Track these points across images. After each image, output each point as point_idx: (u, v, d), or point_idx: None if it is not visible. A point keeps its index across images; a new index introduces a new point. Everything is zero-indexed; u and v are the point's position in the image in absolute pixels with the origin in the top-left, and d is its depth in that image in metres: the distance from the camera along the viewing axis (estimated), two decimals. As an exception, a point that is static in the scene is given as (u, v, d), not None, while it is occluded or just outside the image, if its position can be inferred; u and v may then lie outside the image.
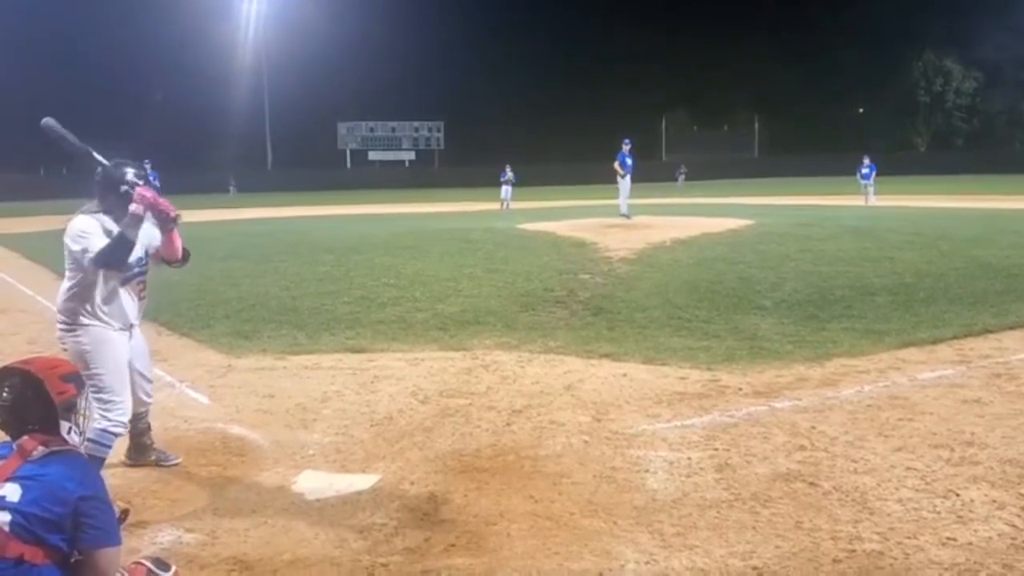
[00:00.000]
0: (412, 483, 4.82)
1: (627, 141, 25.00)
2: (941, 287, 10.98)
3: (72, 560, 2.76)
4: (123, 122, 77.18)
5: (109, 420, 4.51)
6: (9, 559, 2.59)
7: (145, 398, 5.10)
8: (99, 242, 4.50)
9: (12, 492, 2.66)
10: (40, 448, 2.82)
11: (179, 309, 10.68)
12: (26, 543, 2.62)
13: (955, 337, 8.18)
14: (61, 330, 4.68)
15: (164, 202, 4.56)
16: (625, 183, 24.74)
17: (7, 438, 3.00)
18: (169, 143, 77.12)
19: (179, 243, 4.76)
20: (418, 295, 11.35)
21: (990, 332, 8.41)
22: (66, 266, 4.83)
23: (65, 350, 4.56)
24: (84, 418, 3.12)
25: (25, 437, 2.83)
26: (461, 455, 5.26)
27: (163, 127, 77.18)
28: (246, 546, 4.05)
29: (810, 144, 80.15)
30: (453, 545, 4.01)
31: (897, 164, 68.89)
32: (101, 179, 4.73)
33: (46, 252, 19.21)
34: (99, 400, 4.39)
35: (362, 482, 4.85)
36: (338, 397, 6.64)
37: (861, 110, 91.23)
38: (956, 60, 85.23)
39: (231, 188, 61.66)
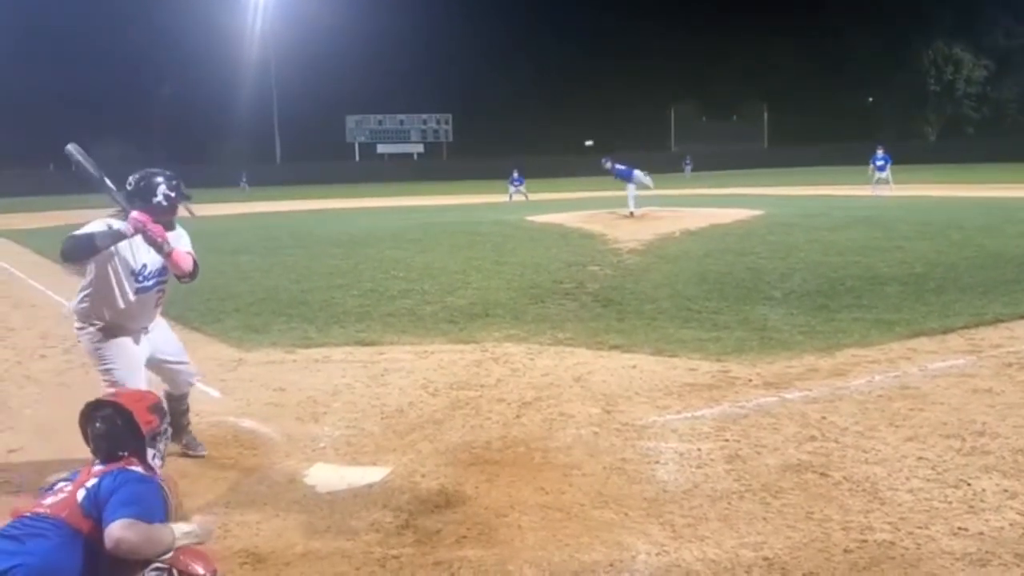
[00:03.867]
0: (423, 475, 4.83)
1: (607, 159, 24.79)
2: (952, 276, 10.93)
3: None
4: (131, 116, 77.51)
5: None
6: (67, 523, 3.00)
7: (188, 379, 5.33)
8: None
9: (91, 482, 3.12)
10: (131, 466, 3.23)
11: (190, 303, 10.70)
12: (84, 517, 3.02)
13: (966, 327, 8.15)
14: (76, 328, 4.85)
15: (156, 229, 4.55)
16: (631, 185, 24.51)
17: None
18: (177, 137, 77.38)
19: (184, 261, 4.75)
20: (427, 288, 11.36)
21: (1001, 321, 8.37)
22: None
23: (80, 343, 4.79)
24: (165, 445, 3.52)
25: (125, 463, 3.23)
26: (471, 447, 5.27)
27: (171, 121, 77.44)
28: (258, 539, 4.07)
29: (819, 134, 79.76)
30: (464, 537, 4.02)
31: (907, 153, 68.49)
32: (134, 188, 4.87)
33: (56, 248, 19.31)
34: None
35: (373, 475, 4.87)
36: (348, 390, 6.65)
37: (871, 99, 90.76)
38: (966, 48, 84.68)
39: (243, 184, 61.83)
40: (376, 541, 4.01)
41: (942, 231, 16.46)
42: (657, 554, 3.79)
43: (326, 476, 4.87)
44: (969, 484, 4.42)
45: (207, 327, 9.35)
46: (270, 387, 6.82)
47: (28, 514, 3.05)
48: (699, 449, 5.08)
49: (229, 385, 6.95)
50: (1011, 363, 6.85)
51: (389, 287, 11.56)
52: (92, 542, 2.98)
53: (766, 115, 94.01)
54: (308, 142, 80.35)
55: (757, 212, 23.33)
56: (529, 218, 23.43)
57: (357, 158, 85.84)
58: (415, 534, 4.07)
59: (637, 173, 23.70)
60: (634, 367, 7.05)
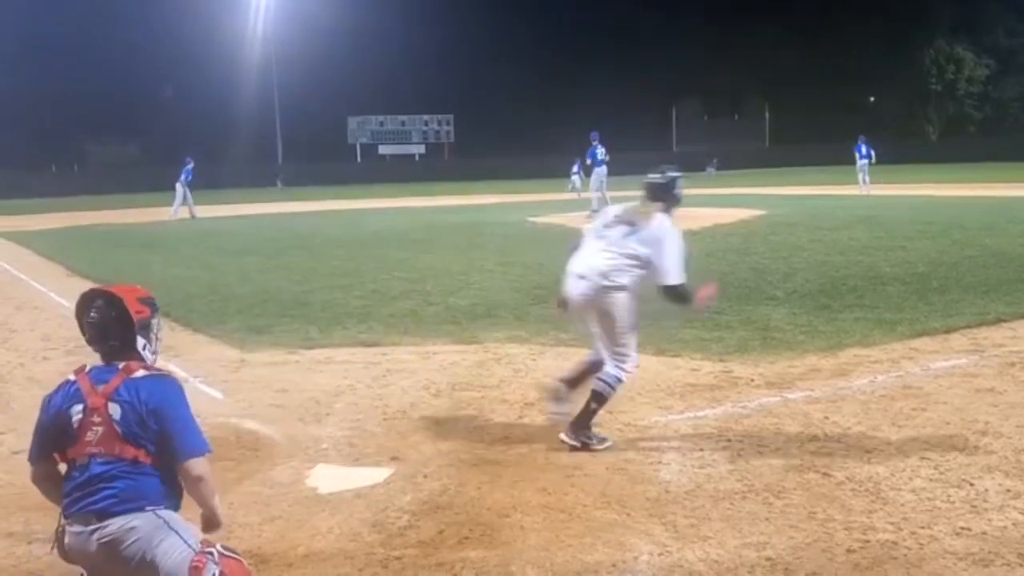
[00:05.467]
0: (425, 476, 4.83)
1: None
2: (954, 276, 10.93)
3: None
4: (133, 117, 77.61)
5: (622, 369, 5.35)
6: (126, 459, 3.07)
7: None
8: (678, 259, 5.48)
9: (115, 409, 3.11)
10: (141, 371, 3.22)
11: (192, 305, 10.74)
12: (136, 447, 3.08)
13: (968, 326, 8.15)
14: (603, 287, 5.36)
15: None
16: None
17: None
18: (179, 138, 77.40)
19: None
20: (430, 289, 11.36)
21: (1004, 321, 8.38)
22: (631, 243, 5.44)
23: (592, 302, 5.45)
24: (156, 339, 3.45)
25: (131, 362, 3.26)
26: (474, 448, 5.27)
27: (173, 122, 77.44)
28: (260, 540, 4.07)
29: (821, 133, 79.63)
30: (467, 538, 4.03)
31: (909, 152, 68.52)
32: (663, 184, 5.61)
33: (57, 249, 19.32)
34: (616, 352, 5.43)
35: (375, 476, 4.87)
36: (351, 391, 6.66)
37: (872, 99, 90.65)
38: (968, 47, 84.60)
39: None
40: (379, 542, 4.02)
41: (944, 231, 16.45)
42: (660, 554, 3.80)
43: (328, 477, 4.88)
44: (972, 484, 4.42)
45: (209, 328, 9.36)
46: (272, 388, 6.83)
47: (86, 459, 3.11)
48: (701, 449, 5.08)
49: (231, 386, 6.96)
50: (1014, 363, 6.85)
51: (391, 288, 11.56)
52: (147, 464, 3.10)
53: (768, 114, 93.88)
54: (310, 143, 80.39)
55: (759, 212, 23.34)
56: (531, 219, 23.44)
57: (359, 159, 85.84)
58: (417, 535, 4.08)
59: (597, 172, 24.32)
60: (636, 367, 7.03)
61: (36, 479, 3.39)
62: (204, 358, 8.09)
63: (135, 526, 3.01)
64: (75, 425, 3.15)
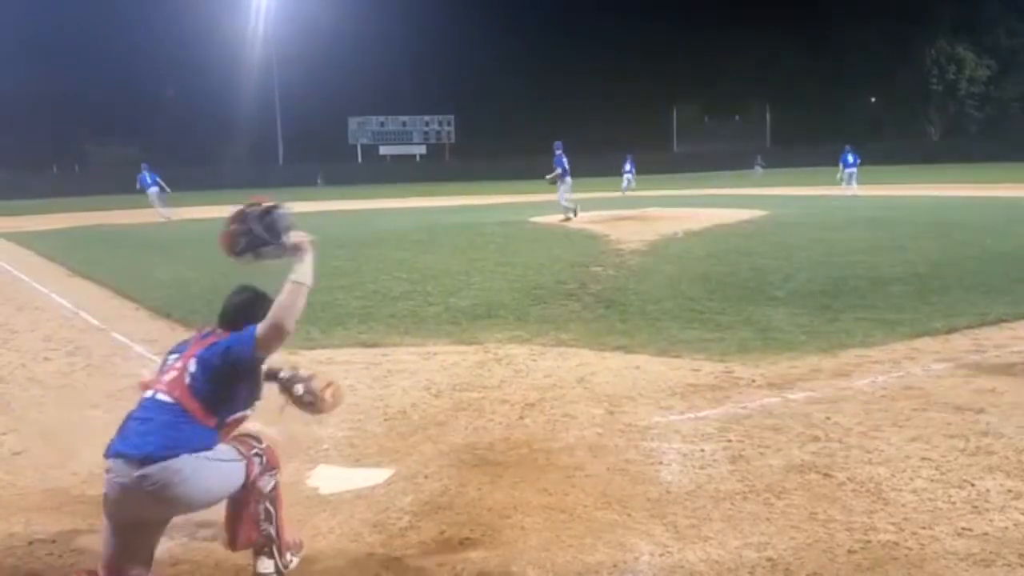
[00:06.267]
0: (426, 477, 4.83)
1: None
2: (955, 277, 10.93)
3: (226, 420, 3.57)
4: (135, 118, 77.66)
5: None
6: (181, 405, 3.43)
7: None
8: None
9: (192, 364, 3.52)
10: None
11: (194, 305, 10.72)
12: (193, 399, 3.44)
13: (969, 327, 8.14)
14: None
15: None
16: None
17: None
18: (181, 139, 77.50)
19: None
20: (430, 289, 11.36)
21: (1005, 321, 8.37)
22: None
23: None
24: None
25: (230, 331, 3.68)
26: (475, 449, 5.27)
27: (175, 123, 77.53)
28: (262, 540, 4.06)
29: (822, 133, 79.60)
30: (467, 538, 4.02)
31: (910, 152, 68.55)
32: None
33: (59, 250, 19.33)
34: None
35: (376, 476, 4.87)
36: (351, 391, 6.64)
37: (873, 99, 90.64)
38: (968, 47, 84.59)
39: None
40: (379, 543, 4.02)
41: (945, 231, 16.45)
42: (661, 555, 3.79)
43: (329, 478, 4.88)
44: (973, 484, 4.41)
45: (210, 329, 9.35)
46: (273, 388, 6.80)
47: (152, 392, 3.52)
48: (702, 450, 5.08)
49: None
50: (1015, 363, 6.84)
51: (392, 288, 11.56)
52: (198, 418, 3.43)
53: (768, 115, 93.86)
54: (310, 144, 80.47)
55: (760, 212, 23.35)
56: (531, 219, 23.44)
57: (359, 160, 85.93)
58: (418, 536, 4.08)
59: (569, 180, 23.63)
60: (637, 368, 7.04)
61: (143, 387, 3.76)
62: (205, 359, 8.09)
63: (178, 468, 3.28)
64: (164, 366, 3.66)
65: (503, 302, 10.28)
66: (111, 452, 3.34)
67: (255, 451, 3.64)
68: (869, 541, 3.83)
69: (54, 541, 4.11)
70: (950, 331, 7.98)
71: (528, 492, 4.54)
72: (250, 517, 3.62)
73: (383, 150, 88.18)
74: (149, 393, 3.54)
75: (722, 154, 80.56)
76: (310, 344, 8.35)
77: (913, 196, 30.17)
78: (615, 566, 3.72)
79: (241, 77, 76.76)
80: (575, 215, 22.76)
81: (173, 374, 3.55)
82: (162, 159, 76.64)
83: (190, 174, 67.28)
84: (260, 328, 3.51)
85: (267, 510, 3.65)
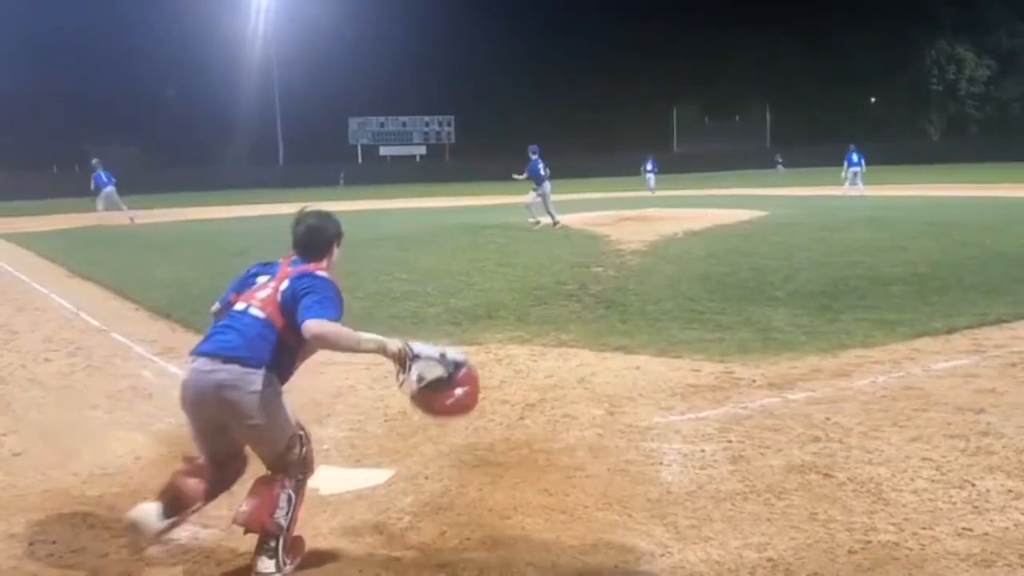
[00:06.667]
0: (426, 478, 4.83)
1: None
2: (955, 277, 10.93)
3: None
4: (135, 118, 77.63)
5: None
6: (270, 321, 3.77)
7: None
8: None
9: (285, 284, 3.85)
10: (319, 271, 3.96)
11: (194, 306, 10.71)
12: (282, 316, 3.76)
13: (970, 327, 8.14)
14: None
15: None
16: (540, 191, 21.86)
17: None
18: (181, 139, 77.51)
19: None
20: (431, 290, 11.36)
21: (1005, 321, 8.37)
22: None
23: None
24: (334, 256, 4.25)
25: (317, 263, 4.03)
26: (475, 449, 5.27)
27: (175, 123, 77.52)
28: (262, 541, 4.06)
29: (822, 134, 79.62)
30: (468, 539, 4.02)
31: (910, 152, 68.50)
32: None
33: (59, 250, 19.33)
34: None
35: (376, 477, 4.87)
36: (352, 392, 6.66)
37: (873, 99, 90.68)
38: (969, 48, 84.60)
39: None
40: (380, 543, 4.02)
41: (945, 231, 16.45)
42: (661, 555, 3.79)
43: (329, 478, 4.87)
44: (974, 485, 4.41)
45: (211, 330, 9.35)
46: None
47: (244, 306, 3.85)
48: (703, 450, 5.08)
49: (233, 388, 6.94)
50: (1015, 363, 6.84)
51: (392, 289, 11.56)
52: (285, 337, 3.76)
53: (768, 115, 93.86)
54: (311, 144, 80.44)
55: (760, 212, 23.35)
56: (532, 219, 23.40)
57: (360, 160, 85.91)
58: (419, 536, 4.08)
59: (547, 185, 21.64)
60: (637, 368, 7.05)
61: (214, 314, 4.11)
62: (205, 359, 8.08)
63: (251, 379, 3.63)
64: (255, 284, 3.97)
65: (503, 303, 10.29)
66: (197, 350, 3.76)
67: (302, 434, 3.90)
68: (870, 541, 3.83)
69: (54, 542, 4.11)
70: (950, 331, 7.98)
71: (528, 493, 4.54)
72: (271, 500, 3.72)
73: (383, 150, 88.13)
74: (241, 306, 3.86)
75: (722, 154, 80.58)
76: (310, 345, 8.35)
77: (913, 196, 30.17)
78: (616, 567, 3.72)
79: (241, 77, 76.77)
80: (538, 225, 21.07)
81: (267, 292, 3.87)
82: (162, 159, 77.03)
83: (190, 174, 67.37)
84: (316, 324, 3.63)
85: (289, 499, 3.74)
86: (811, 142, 77.07)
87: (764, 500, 4.33)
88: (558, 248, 16.18)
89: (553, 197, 22.17)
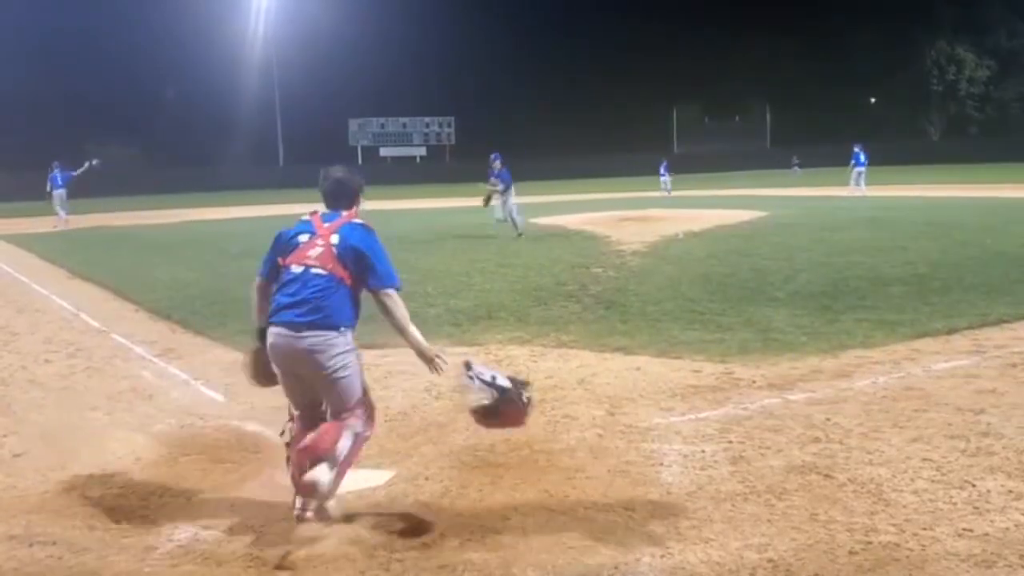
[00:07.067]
0: (426, 478, 4.83)
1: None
2: (955, 277, 10.93)
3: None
4: (135, 119, 77.62)
5: None
6: (336, 275, 4.22)
7: None
8: None
9: (335, 238, 4.29)
10: (356, 219, 4.46)
11: (194, 307, 10.75)
12: (344, 269, 4.24)
13: (970, 327, 8.14)
14: None
15: None
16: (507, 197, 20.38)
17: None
18: (181, 140, 77.49)
19: None
20: (431, 290, 11.36)
21: (1005, 322, 8.37)
22: None
23: None
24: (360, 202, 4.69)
25: (344, 211, 4.50)
26: (475, 450, 5.27)
27: (175, 124, 77.51)
28: (262, 542, 4.07)
29: (822, 134, 79.67)
30: (468, 540, 4.02)
31: (910, 153, 68.50)
32: None
33: (59, 252, 19.33)
34: None
35: (377, 478, 4.87)
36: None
37: (873, 99, 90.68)
38: (969, 48, 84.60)
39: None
40: (380, 544, 4.01)
41: (946, 231, 16.46)
42: (661, 556, 3.79)
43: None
44: (974, 485, 4.41)
45: (211, 331, 9.36)
46: (274, 390, 6.78)
47: (302, 267, 4.23)
48: (703, 451, 5.08)
49: (233, 388, 6.94)
50: (1015, 363, 6.84)
51: (392, 290, 11.54)
52: (349, 286, 4.27)
53: (768, 115, 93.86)
54: (311, 145, 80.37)
55: (760, 213, 23.36)
56: (532, 220, 23.42)
57: (360, 161, 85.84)
58: (419, 537, 4.07)
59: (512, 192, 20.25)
60: (638, 369, 7.04)
61: (259, 288, 4.46)
62: (206, 360, 8.10)
63: (332, 341, 4.16)
64: (300, 243, 4.31)
65: (504, 303, 10.29)
66: (280, 319, 4.16)
67: (367, 396, 4.44)
68: (870, 542, 3.83)
69: (55, 543, 4.11)
70: (950, 332, 7.98)
71: (529, 493, 4.54)
72: (334, 431, 4.16)
73: (383, 152, 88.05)
74: (298, 268, 4.24)
75: (722, 155, 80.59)
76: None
77: (913, 196, 30.17)
78: (616, 567, 3.71)
79: (241, 78, 76.74)
80: (501, 224, 20.05)
81: (320, 249, 4.26)
82: (162, 160, 77.03)
83: (190, 175, 67.33)
84: (393, 298, 4.38)
85: (353, 440, 4.19)
86: (811, 142, 77.07)
87: (764, 501, 4.33)
88: (558, 249, 16.19)
89: (554, 197, 22.14)
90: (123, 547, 4.02)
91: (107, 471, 5.09)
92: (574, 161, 75.46)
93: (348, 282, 4.24)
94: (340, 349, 4.19)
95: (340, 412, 4.26)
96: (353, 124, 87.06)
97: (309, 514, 4.15)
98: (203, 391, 6.96)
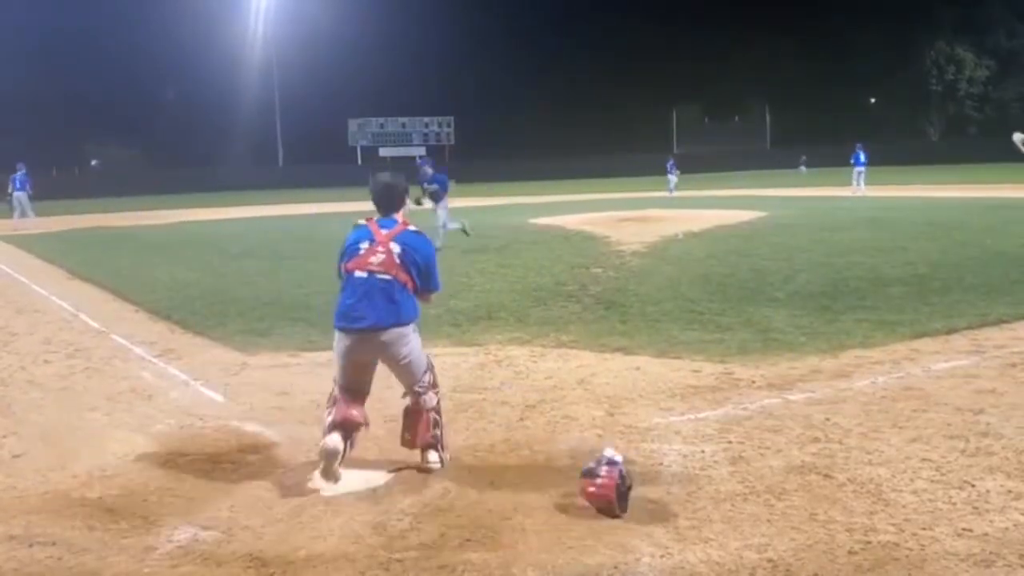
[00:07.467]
0: (426, 479, 4.83)
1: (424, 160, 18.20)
2: (955, 277, 10.93)
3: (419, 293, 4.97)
4: (135, 119, 77.70)
5: None
6: (397, 279, 4.77)
7: None
8: None
9: (396, 247, 4.83)
10: (410, 227, 5.00)
11: (194, 307, 10.75)
12: (406, 274, 4.81)
13: (969, 327, 8.14)
14: None
15: None
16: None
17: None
18: (181, 140, 77.54)
19: None
20: (430, 290, 11.34)
21: (1005, 322, 8.37)
22: None
23: None
24: (408, 207, 5.29)
25: (400, 218, 5.05)
26: (475, 450, 5.27)
27: (175, 124, 77.57)
28: (262, 543, 4.06)
29: (822, 134, 79.68)
30: (468, 540, 4.02)
31: (909, 153, 68.56)
32: None
33: (58, 252, 19.33)
34: None
35: (377, 478, 4.87)
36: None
37: (873, 100, 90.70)
38: (968, 48, 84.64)
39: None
40: (380, 544, 4.01)
41: (945, 231, 16.47)
42: (661, 556, 3.79)
43: (330, 480, 4.86)
44: (973, 485, 4.41)
45: (211, 331, 9.36)
46: (274, 391, 6.82)
47: (366, 273, 4.78)
48: (703, 451, 5.08)
49: (233, 389, 6.95)
50: (1015, 363, 6.84)
51: (392, 290, 11.54)
52: (409, 289, 4.84)
53: (768, 116, 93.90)
54: (310, 146, 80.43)
55: (760, 213, 23.36)
56: (532, 220, 23.44)
57: (359, 161, 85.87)
58: (419, 537, 4.07)
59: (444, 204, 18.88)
60: (637, 369, 7.05)
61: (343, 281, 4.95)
62: (205, 361, 8.09)
63: (405, 334, 4.81)
64: (361, 250, 4.84)
65: (503, 304, 10.29)
66: (349, 324, 4.76)
67: (431, 364, 5.14)
68: (869, 542, 3.83)
69: (54, 544, 4.10)
70: (950, 332, 7.98)
71: (529, 494, 4.54)
72: (424, 423, 4.95)
73: (383, 152, 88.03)
74: (362, 274, 4.77)
75: (722, 155, 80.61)
76: (311, 346, 8.36)
77: (912, 196, 30.17)
78: (616, 568, 3.71)
79: (241, 79, 76.81)
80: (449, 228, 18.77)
81: (381, 256, 4.79)
82: (162, 160, 77.07)
83: (190, 175, 67.35)
84: (429, 296, 5.09)
85: (435, 419, 5.00)
86: (811, 143, 77.11)
87: (764, 501, 4.33)
88: (558, 249, 16.19)
89: (554, 197, 22.17)
90: (123, 547, 4.02)
91: (107, 471, 5.09)
92: (574, 161, 75.48)
93: (410, 286, 4.81)
94: (409, 339, 4.84)
95: (412, 385, 4.99)
96: (352, 124, 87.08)
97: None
98: (203, 391, 6.95)
